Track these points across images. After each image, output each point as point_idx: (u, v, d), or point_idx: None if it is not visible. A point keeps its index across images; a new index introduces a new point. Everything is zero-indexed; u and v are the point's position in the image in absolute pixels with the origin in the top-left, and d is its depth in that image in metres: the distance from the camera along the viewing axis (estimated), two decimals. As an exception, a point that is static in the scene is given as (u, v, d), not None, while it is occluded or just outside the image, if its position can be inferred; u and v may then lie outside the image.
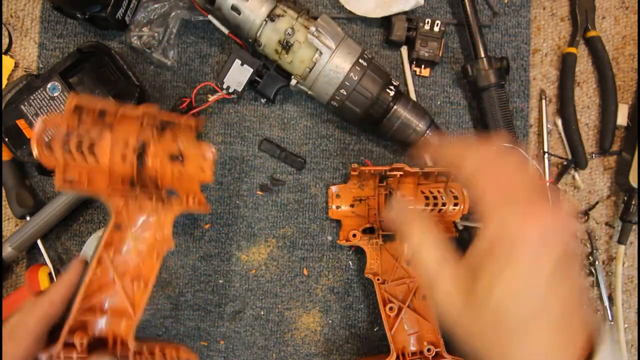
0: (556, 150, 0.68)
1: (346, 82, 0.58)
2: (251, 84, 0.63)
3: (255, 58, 0.61)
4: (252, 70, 0.61)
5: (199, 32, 0.66)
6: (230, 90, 0.62)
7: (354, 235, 0.61)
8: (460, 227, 0.64)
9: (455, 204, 0.64)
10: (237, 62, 0.61)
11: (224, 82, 0.62)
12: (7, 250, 0.61)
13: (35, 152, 0.43)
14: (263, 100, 0.66)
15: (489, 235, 0.26)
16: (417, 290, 0.60)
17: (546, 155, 0.67)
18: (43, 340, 0.44)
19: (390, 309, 0.60)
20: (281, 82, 0.63)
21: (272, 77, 0.63)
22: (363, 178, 0.64)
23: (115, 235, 0.48)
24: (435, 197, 0.64)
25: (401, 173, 0.61)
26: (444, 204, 0.64)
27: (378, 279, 0.61)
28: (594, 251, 0.67)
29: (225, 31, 0.62)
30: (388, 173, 0.61)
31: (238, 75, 0.61)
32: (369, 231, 0.63)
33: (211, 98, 0.63)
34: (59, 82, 0.60)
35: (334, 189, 0.65)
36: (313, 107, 0.66)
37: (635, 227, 0.66)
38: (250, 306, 0.65)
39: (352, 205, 0.65)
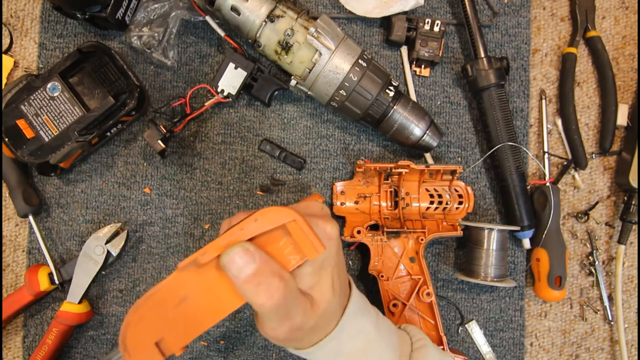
0: (556, 150, 0.68)
1: (346, 83, 0.58)
2: (246, 87, 0.63)
3: (249, 61, 0.61)
4: (245, 73, 0.61)
5: (199, 32, 0.66)
6: (225, 94, 0.62)
7: (359, 232, 0.61)
8: (461, 227, 0.64)
9: (460, 202, 0.64)
10: (231, 65, 0.61)
11: (218, 86, 0.62)
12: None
13: None
14: (262, 101, 0.66)
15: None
16: (420, 288, 0.60)
17: (546, 155, 0.67)
18: None
19: (394, 305, 0.60)
20: (275, 85, 0.62)
21: (266, 81, 0.62)
22: (368, 175, 0.64)
23: None
24: (440, 196, 0.64)
25: (406, 170, 0.61)
26: (448, 202, 0.64)
27: (382, 276, 0.61)
28: (594, 251, 0.67)
29: (222, 33, 0.62)
30: (393, 170, 0.61)
31: (232, 78, 0.61)
32: (372, 228, 0.63)
33: (207, 103, 0.62)
34: (59, 82, 0.60)
35: (338, 185, 0.65)
36: (313, 107, 0.66)
37: (635, 227, 0.66)
38: (250, 306, 0.65)
39: (356, 202, 0.65)
